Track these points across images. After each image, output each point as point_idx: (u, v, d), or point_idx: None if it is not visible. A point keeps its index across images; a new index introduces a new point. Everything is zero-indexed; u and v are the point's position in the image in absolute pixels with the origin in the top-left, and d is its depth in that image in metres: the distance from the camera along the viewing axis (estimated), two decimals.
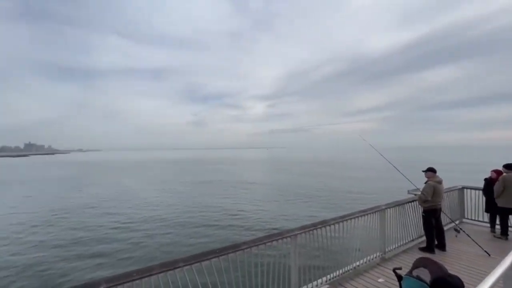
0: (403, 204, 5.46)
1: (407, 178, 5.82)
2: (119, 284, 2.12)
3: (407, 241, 5.48)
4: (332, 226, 4.12)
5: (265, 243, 3.24)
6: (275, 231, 3.74)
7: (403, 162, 53.35)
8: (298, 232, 3.63)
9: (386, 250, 4.99)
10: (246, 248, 3.04)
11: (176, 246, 13.77)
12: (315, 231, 3.86)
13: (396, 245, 5.23)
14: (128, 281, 2.17)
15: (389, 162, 6.29)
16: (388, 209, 5.09)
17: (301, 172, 50.29)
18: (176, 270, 2.45)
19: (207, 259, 2.69)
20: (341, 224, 4.25)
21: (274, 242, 3.37)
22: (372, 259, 4.72)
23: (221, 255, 2.79)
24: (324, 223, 4.00)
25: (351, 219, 4.40)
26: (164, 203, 23.86)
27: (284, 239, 3.50)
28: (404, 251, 5.28)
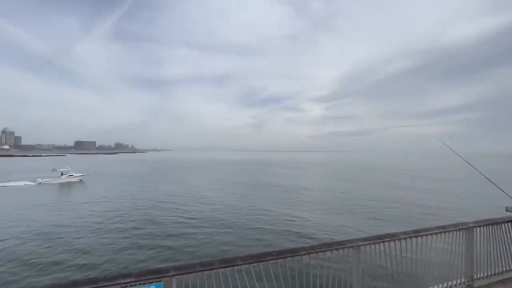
0: (500, 223, 4.39)
1: (505, 193, 4.70)
2: (185, 274, 2.33)
3: (505, 269, 4.42)
4: (403, 241, 3.60)
5: (324, 252, 3.06)
6: (335, 240, 3.50)
7: (499, 173, 44.11)
8: (362, 244, 3.31)
9: (475, 277, 4.11)
10: (305, 254, 2.93)
11: (234, 245, 14.48)
12: (381, 244, 3.44)
13: (489, 273, 4.24)
14: (192, 272, 2.36)
15: (480, 173, 5.16)
16: (478, 228, 4.18)
17: (364, 179, 46.75)
18: (235, 268, 2.53)
19: (265, 261, 2.69)
20: (414, 239, 3.68)
21: (335, 252, 3.15)
22: (455, 285, 3.95)
23: (279, 258, 2.76)
24: (393, 236, 3.53)
25: (427, 235, 3.77)
26: (225, 202, 25.41)
27: (345, 250, 3.24)
28: (502, 282, 4.26)
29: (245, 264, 2.59)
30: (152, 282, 2.22)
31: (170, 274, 2.27)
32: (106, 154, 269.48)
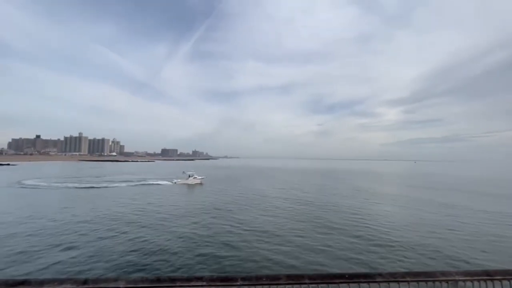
0: None
1: None
2: (252, 285, 2.31)
3: None
4: None
5: (408, 282, 2.58)
6: (423, 270, 2.90)
7: None
8: (460, 279, 2.62)
9: None
10: (382, 281, 2.53)
11: (302, 261, 13.93)
12: (488, 283, 2.64)
13: None
14: (259, 284, 2.32)
15: None
16: None
17: (473, 196, 39.29)
18: (302, 286, 2.39)
19: (335, 283, 2.46)
20: None
21: (422, 284, 2.62)
22: None
23: (351, 282, 2.48)
24: (508, 274, 2.72)
25: None
26: (297, 214, 25.15)
27: (436, 283, 2.64)
28: None
29: (313, 283, 2.41)
30: None
31: (238, 283, 2.30)
32: (185, 160, 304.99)
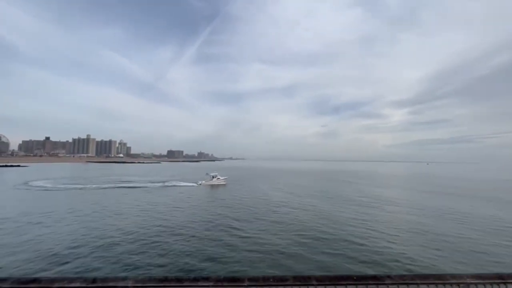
0: None
1: None
2: (258, 286, 2.29)
3: None
4: None
5: (417, 284, 2.51)
6: (433, 273, 2.83)
7: None
8: (472, 282, 2.54)
9: None
10: (391, 284, 2.48)
11: (309, 262, 13.86)
12: (501, 287, 2.57)
13: None
14: (266, 285, 2.31)
15: None
16: None
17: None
18: (309, 287, 2.37)
19: (342, 284, 2.42)
20: None
21: (432, 287, 2.56)
22: None
23: (359, 284, 2.43)
24: None
25: None
26: (304, 216, 25.01)
27: (447, 286, 2.57)
28: None
29: (320, 285, 2.38)
30: None
31: (245, 284, 2.29)
32: (191, 161, 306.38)
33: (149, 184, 51.17)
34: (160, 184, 52.53)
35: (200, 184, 52.75)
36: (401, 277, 2.53)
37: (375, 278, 2.50)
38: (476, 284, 2.57)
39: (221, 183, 54.93)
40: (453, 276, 2.59)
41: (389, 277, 2.51)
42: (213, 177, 55.52)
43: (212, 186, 51.32)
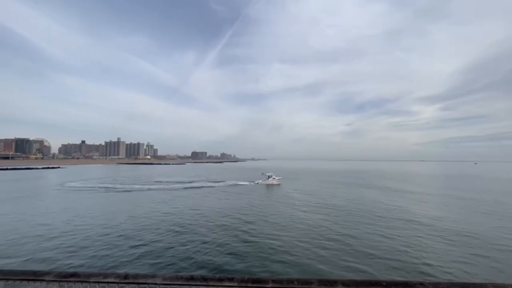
0: None
1: None
2: None
3: None
4: None
5: None
6: (472, 281, 2.61)
7: None
8: None
9: None
10: None
11: (335, 266, 13.41)
12: None
13: None
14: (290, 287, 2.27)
15: None
16: None
17: None
18: None
19: None
20: None
21: None
22: None
23: None
24: None
25: None
26: (325, 219, 23.77)
27: None
28: None
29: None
30: None
31: (269, 286, 2.27)
32: (214, 162, 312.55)
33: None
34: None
35: (257, 183, 55.42)
36: (435, 284, 2.36)
37: (406, 285, 2.36)
38: None
39: (276, 182, 56.81)
40: (496, 285, 2.38)
41: (421, 284, 2.36)
42: (268, 176, 58.37)
43: (268, 185, 53.24)
